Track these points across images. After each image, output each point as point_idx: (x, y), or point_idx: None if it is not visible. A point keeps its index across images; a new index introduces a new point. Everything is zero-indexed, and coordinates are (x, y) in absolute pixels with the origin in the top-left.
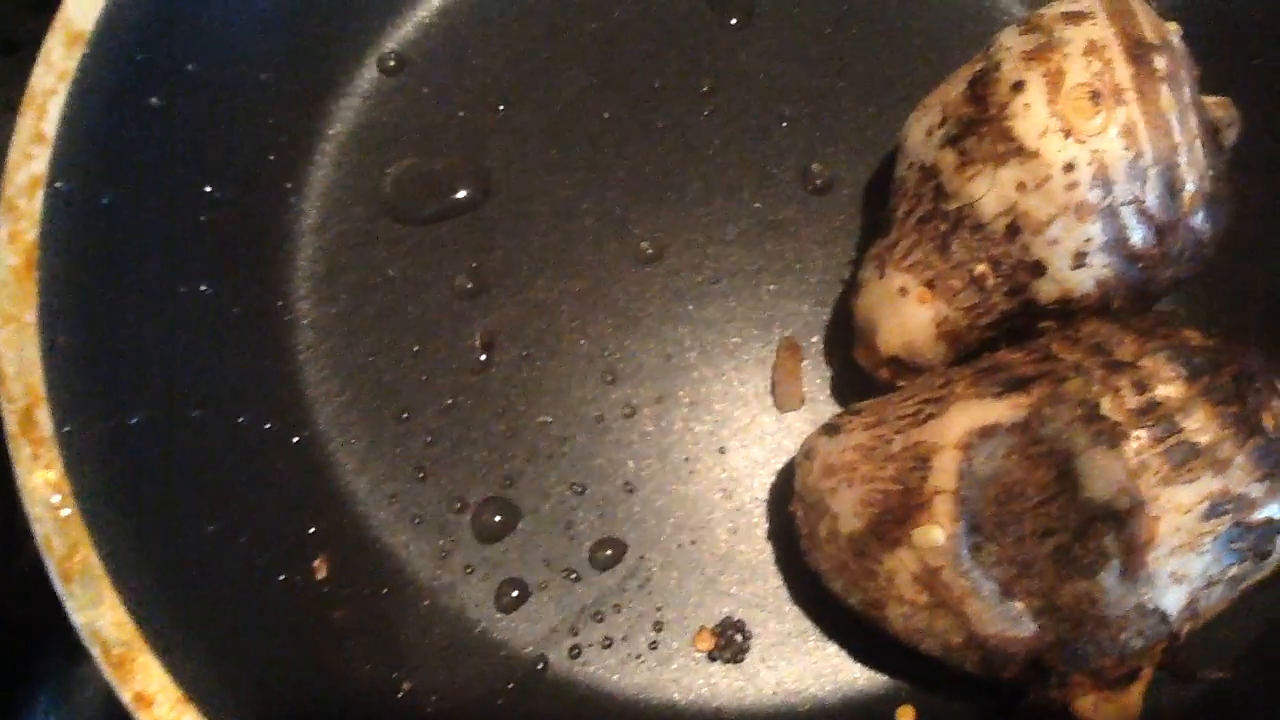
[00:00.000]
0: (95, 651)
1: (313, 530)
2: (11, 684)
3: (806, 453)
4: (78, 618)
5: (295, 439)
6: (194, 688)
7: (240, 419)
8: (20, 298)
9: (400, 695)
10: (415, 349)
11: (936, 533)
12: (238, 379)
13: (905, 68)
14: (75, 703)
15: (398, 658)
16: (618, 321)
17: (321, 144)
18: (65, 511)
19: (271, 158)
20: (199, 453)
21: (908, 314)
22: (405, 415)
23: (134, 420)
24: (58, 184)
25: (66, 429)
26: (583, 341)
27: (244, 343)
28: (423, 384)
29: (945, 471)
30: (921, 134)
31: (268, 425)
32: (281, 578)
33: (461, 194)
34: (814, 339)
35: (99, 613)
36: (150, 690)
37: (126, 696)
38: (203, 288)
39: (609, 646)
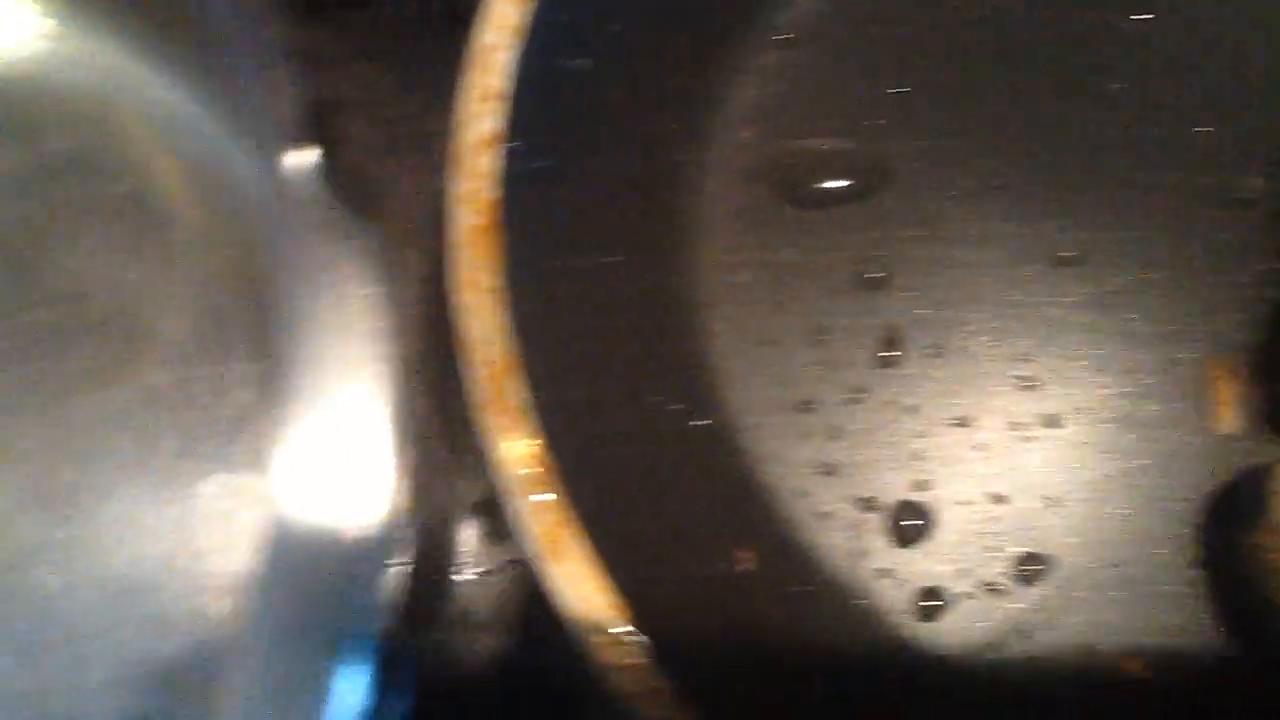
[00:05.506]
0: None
1: (733, 519)
2: None
3: None
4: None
5: (702, 422)
6: None
7: (653, 399)
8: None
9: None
10: (814, 339)
11: None
12: (645, 357)
13: None
14: None
15: (813, 658)
16: (1034, 325)
17: (717, 118)
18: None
19: (673, 127)
20: (623, 430)
21: None
22: (807, 406)
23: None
24: (512, 144)
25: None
26: (995, 344)
27: (648, 318)
28: (823, 375)
29: None
30: None
31: (673, 407)
32: (717, 565)
33: (857, 181)
34: (1248, 357)
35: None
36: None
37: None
38: (616, 258)
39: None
